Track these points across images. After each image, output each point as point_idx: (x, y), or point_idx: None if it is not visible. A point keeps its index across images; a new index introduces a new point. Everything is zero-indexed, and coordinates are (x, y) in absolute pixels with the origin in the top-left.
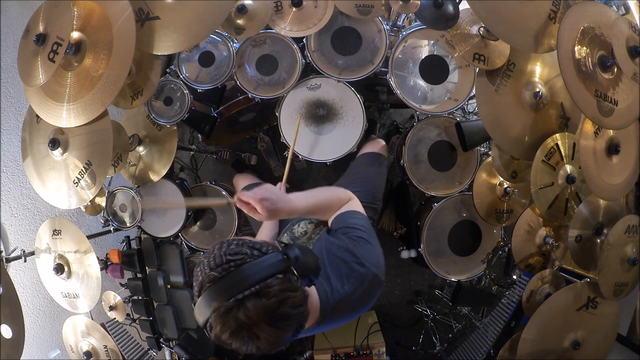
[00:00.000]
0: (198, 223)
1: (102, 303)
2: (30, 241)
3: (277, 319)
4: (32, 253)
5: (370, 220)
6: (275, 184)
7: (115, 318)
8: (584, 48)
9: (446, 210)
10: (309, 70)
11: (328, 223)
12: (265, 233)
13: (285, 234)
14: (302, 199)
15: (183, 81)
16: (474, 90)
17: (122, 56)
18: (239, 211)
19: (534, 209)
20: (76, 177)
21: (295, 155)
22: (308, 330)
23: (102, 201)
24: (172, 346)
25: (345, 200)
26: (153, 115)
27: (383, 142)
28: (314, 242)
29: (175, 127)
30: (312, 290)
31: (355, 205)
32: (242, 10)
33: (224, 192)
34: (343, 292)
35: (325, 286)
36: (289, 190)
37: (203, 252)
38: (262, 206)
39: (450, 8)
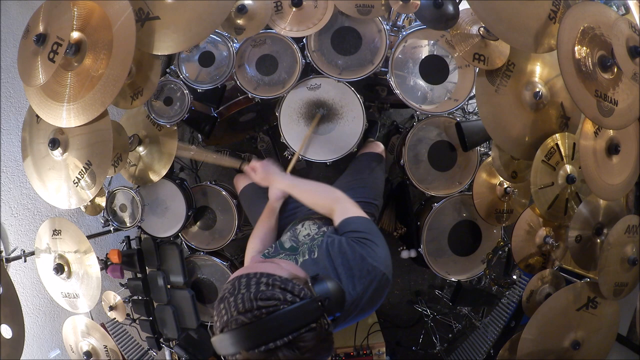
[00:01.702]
0: (198, 223)
1: (102, 303)
2: (30, 241)
3: None
4: (32, 253)
5: (372, 218)
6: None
7: (115, 318)
8: (584, 48)
9: (446, 210)
10: (309, 70)
11: (335, 226)
12: (265, 226)
13: (288, 233)
14: (291, 178)
15: (183, 81)
16: (474, 90)
17: (122, 56)
18: (239, 211)
19: (534, 209)
20: (76, 177)
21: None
22: None
23: (102, 201)
24: (172, 346)
25: (332, 196)
26: (153, 115)
27: (382, 146)
28: (317, 244)
29: (175, 127)
30: None
31: (353, 209)
32: (242, 10)
33: (223, 193)
34: (355, 294)
35: (345, 299)
36: None
37: (203, 252)
38: (262, 168)
39: (450, 8)
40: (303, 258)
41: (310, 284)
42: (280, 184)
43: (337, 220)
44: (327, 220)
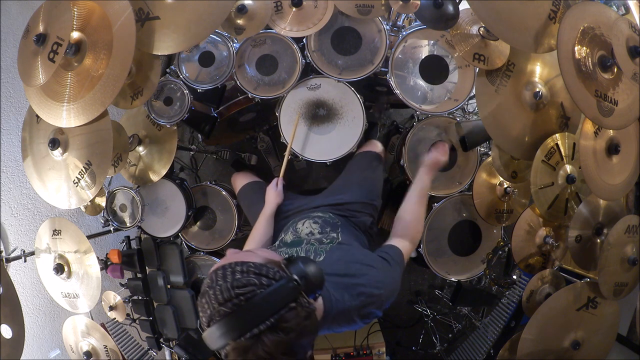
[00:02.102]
0: (198, 223)
1: (102, 303)
2: (30, 241)
3: (296, 349)
4: (32, 253)
5: (370, 219)
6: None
7: (115, 318)
8: (584, 48)
9: (446, 210)
10: (309, 70)
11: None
12: (261, 230)
13: (290, 231)
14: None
15: (183, 81)
16: (474, 90)
17: (122, 56)
18: (239, 211)
19: (534, 209)
20: (76, 177)
21: (295, 155)
22: None
23: (102, 201)
24: (172, 346)
25: (417, 238)
26: (153, 115)
27: (381, 146)
28: (326, 249)
29: (175, 127)
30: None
31: (403, 243)
32: (242, 10)
33: (223, 193)
34: (349, 306)
35: (333, 294)
36: (285, 186)
37: (203, 252)
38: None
39: (450, 8)
40: (306, 254)
41: (284, 266)
42: (430, 177)
43: (396, 242)
44: (330, 222)
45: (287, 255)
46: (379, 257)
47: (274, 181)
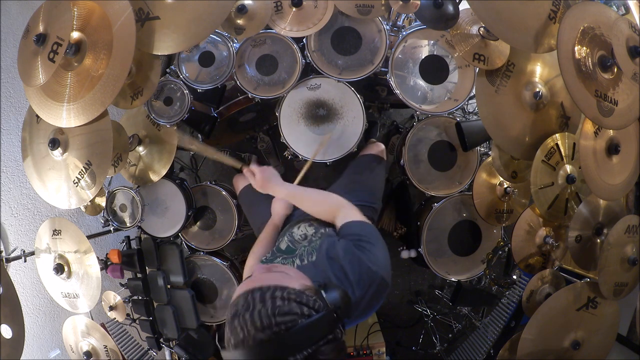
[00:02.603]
0: (198, 223)
1: (102, 303)
2: (30, 241)
3: None
4: (32, 253)
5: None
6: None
7: (115, 318)
8: (584, 48)
9: (446, 210)
10: (309, 70)
11: (336, 230)
12: (270, 234)
13: (285, 238)
14: (291, 185)
15: (183, 81)
16: (474, 90)
17: (122, 56)
18: (239, 211)
19: (534, 209)
20: (76, 177)
21: (295, 155)
22: None
23: (102, 201)
24: (172, 346)
25: (335, 204)
26: (153, 115)
27: (382, 146)
28: (315, 247)
29: (175, 127)
30: None
31: (355, 213)
32: (242, 10)
33: (223, 193)
34: (354, 298)
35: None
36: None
37: (203, 252)
38: (261, 174)
39: (450, 8)
40: (301, 261)
41: (321, 294)
42: (279, 192)
43: (338, 224)
44: (324, 222)
45: (318, 282)
46: (357, 242)
47: None
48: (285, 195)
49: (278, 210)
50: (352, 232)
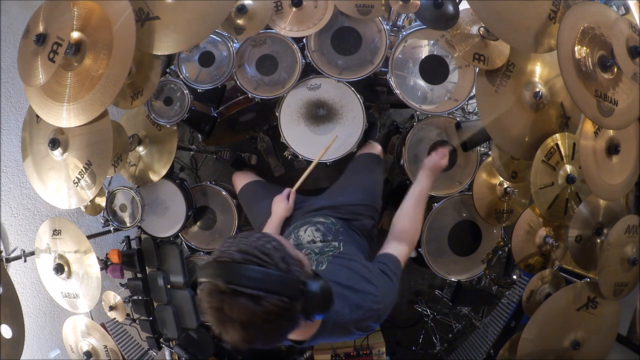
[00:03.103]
0: (198, 223)
1: (102, 303)
2: (30, 241)
3: (251, 329)
4: (32, 253)
5: (372, 221)
6: (275, 184)
7: (115, 318)
8: (584, 48)
9: (446, 210)
10: (309, 70)
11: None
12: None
13: (291, 238)
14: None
15: (183, 81)
16: (474, 90)
17: (122, 56)
18: (239, 211)
19: (534, 209)
20: (76, 177)
21: (295, 155)
22: (302, 342)
23: (102, 201)
24: (172, 346)
25: (404, 237)
26: (153, 115)
27: (380, 147)
28: (328, 258)
29: (175, 127)
30: None
31: (401, 248)
32: (242, 10)
33: (223, 193)
34: (348, 318)
35: (330, 308)
36: (287, 180)
37: (203, 252)
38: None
39: (450, 8)
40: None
41: (307, 273)
42: (430, 179)
43: (387, 249)
44: (332, 229)
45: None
46: (380, 270)
47: (285, 192)
48: (427, 186)
49: (279, 212)
50: (383, 261)
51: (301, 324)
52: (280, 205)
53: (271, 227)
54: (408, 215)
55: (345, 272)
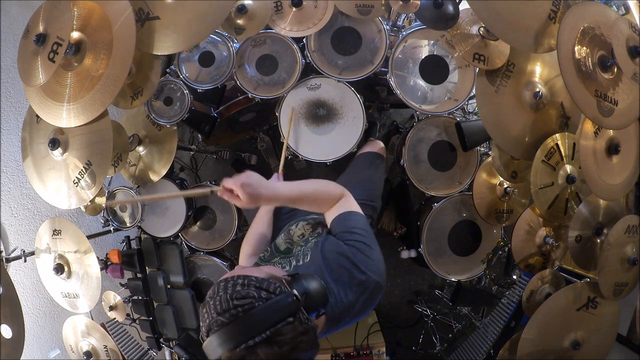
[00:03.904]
0: (198, 223)
1: (102, 303)
2: (30, 241)
3: None
4: (32, 253)
5: (369, 220)
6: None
7: (115, 318)
8: (584, 48)
9: (446, 210)
10: (309, 70)
11: (327, 224)
12: (257, 230)
13: (282, 235)
14: (286, 187)
15: (183, 81)
16: (474, 90)
17: (122, 56)
18: (239, 211)
19: (534, 209)
20: (76, 177)
21: (295, 155)
22: None
23: (102, 201)
24: (172, 346)
25: (336, 196)
26: (153, 115)
27: (382, 144)
28: (310, 247)
29: (175, 127)
30: None
31: (351, 204)
32: (242, 10)
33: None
34: (347, 302)
35: (329, 298)
36: (286, 177)
37: (203, 252)
38: (243, 191)
39: (450, 8)
40: (297, 261)
41: (285, 282)
42: (277, 199)
43: (334, 213)
44: (322, 222)
45: (285, 267)
46: (356, 241)
47: (274, 177)
48: (284, 200)
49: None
50: (348, 228)
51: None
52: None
53: (264, 214)
54: (318, 195)
55: (327, 256)
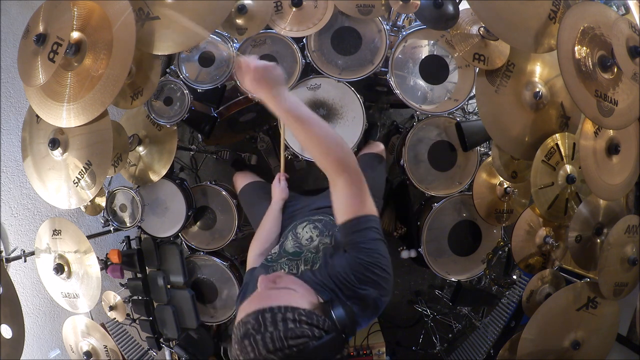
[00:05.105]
0: (198, 223)
1: (102, 303)
2: (30, 241)
3: None
4: (32, 253)
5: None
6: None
7: (115, 318)
8: (584, 48)
9: (446, 210)
10: (309, 70)
11: (335, 214)
12: (266, 229)
13: (290, 237)
14: (295, 104)
15: (183, 81)
16: (474, 90)
17: (122, 56)
18: (239, 211)
19: (534, 209)
20: (76, 177)
21: (295, 155)
22: None
23: (102, 201)
24: (172, 346)
25: (343, 162)
26: (153, 115)
27: (382, 146)
28: (320, 256)
29: (175, 127)
30: None
31: (365, 199)
32: (242, 10)
33: (223, 193)
34: (357, 319)
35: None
36: (293, 184)
37: (203, 252)
38: (254, 74)
39: (450, 8)
40: (305, 266)
41: (329, 312)
42: (273, 100)
43: (345, 210)
44: (329, 225)
45: (293, 271)
46: (369, 265)
47: (277, 177)
48: (282, 109)
49: (275, 196)
50: (362, 243)
51: None
52: (275, 190)
53: (272, 213)
54: (321, 139)
55: (336, 271)
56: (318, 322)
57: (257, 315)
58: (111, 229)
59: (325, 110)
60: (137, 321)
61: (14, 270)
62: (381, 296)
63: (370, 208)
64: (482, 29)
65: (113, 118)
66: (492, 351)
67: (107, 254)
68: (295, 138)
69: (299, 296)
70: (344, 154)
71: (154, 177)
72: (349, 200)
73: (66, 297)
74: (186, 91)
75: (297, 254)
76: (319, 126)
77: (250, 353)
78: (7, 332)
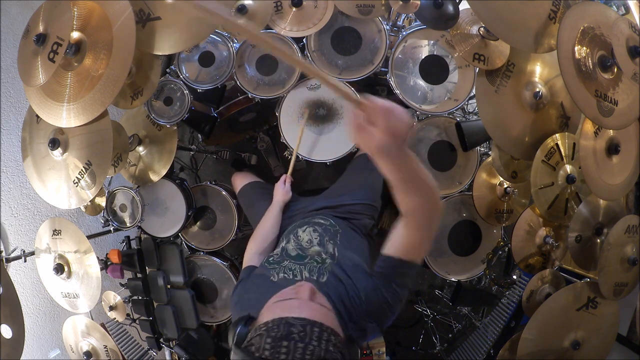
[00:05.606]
0: (198, 223)
1: (102, 303)
2: (30, 241)
3: None
4: (32, 253)
5: (371, 221)
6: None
7: (115, 318)
8: (584, 48)
9: (446, 210)
10: None
11: (389, 249)
12: (265, 228)
13: (291, 240)
14: (417, 162)
15: (183, 81)
16: (474, 90)
17: (122, 56)
18: (239, 211)
19: (534, 209)
20: (76, 177)
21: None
22: None
23: (102, 201)
24: (172, 346)
25: (437, 218)
26: (153, 115)
27: None
28: (328, 269)
29: (175, 127)
30: None
31: (422, 251)
32: (242, 10)
33: (223, 193)
34: (346, 334)
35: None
36: (293, 184)
37: (203, 252)
38: (388, 121)
39: (450, 8)
40: (310, 274)
41: (351, 348)
42: (401, 160)
43: (403, 251)
44: (330, 231)
45: (297, 277)
46: (384, 282)
47: (282, 178)
48: (405, 170)
49: (277, 197)
50: (394, 280)
51: None
52: (278, 191)
53: (272, 213)
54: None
55: (347, 283)
56: (344, 356)
57: (307, 325)
58: (111, 229)
59: (325, 110)
60: (137, 321)
61: (14, 270)
62: (378, 328)
63: (422, 257)
64: (482, 29)
65: (113, 118)
66: (492, 351)
67: (107, 254)
68: (395, 180)
69: (336, 322)
70: (439, 211)
71: (154, 177)
72: (412, 243)
73: (66, 297)
74: (186, 91)
75: (300, 258)
76: (430, 178)
77: (283, 355)
78: (7, 332)
